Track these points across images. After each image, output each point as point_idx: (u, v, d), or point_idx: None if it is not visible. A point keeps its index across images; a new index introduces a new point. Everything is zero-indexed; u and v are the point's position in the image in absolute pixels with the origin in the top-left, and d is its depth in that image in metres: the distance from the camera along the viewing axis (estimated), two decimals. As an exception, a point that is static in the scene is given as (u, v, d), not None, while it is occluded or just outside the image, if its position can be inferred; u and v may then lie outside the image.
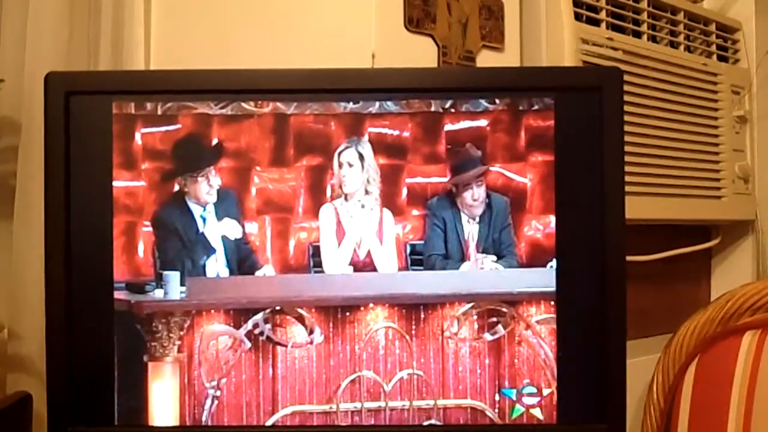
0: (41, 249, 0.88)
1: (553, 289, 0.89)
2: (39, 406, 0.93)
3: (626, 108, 0.90)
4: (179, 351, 0.89)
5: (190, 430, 0.89)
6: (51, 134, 0.87)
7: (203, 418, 0.88)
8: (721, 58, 1.75)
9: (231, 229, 0.90)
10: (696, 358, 1.30)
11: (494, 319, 0.90)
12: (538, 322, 0.90)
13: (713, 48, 1.74)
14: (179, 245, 0.89)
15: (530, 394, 0.90)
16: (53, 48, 1.19)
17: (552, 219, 0.89)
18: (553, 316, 0.89)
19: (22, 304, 1.16)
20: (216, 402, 0.89)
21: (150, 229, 0.89)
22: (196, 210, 0.90)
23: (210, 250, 0.90)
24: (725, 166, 1.71)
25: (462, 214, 0.91)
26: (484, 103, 0.89)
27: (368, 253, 0.91)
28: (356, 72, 0.93)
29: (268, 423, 0.89)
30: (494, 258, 0.91)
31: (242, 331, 0.89)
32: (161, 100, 0.88)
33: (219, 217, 0.90)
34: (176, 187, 0.89)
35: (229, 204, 0.90)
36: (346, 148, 0.89)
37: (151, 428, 0.88)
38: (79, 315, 0.87)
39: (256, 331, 0.89)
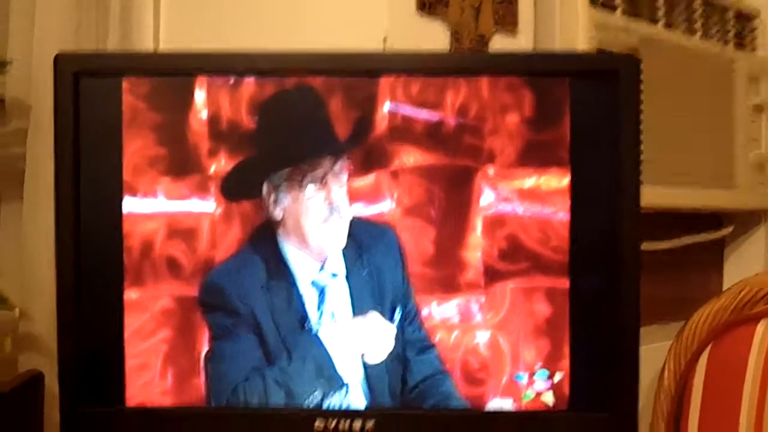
0: (51, 230, 0.88)
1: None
2: (51, 385, 0.93)
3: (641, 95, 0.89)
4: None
5: (202, 411, 0.89)
6: (60, 116, 0.87)
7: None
8: (739, 46, 1.73)
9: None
10: (708, 346, 1.30)
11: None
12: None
13: (730, 35, 1.72)
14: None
15: (542, 380, 0.89)
16: (61, 30, 1.18)
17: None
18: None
19: (33, 284, 1.16)
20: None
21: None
22: (300, 267, 0.90)
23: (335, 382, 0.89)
24: (740, 155, 1.70)
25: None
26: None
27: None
28: (368, 55, 0.92)
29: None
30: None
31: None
32: (171, 80, 0.88)
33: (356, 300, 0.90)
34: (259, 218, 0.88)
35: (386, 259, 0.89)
36: None
37: (162, 409, 0.88)
38: (89, 295, 0.87)
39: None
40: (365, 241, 0.88)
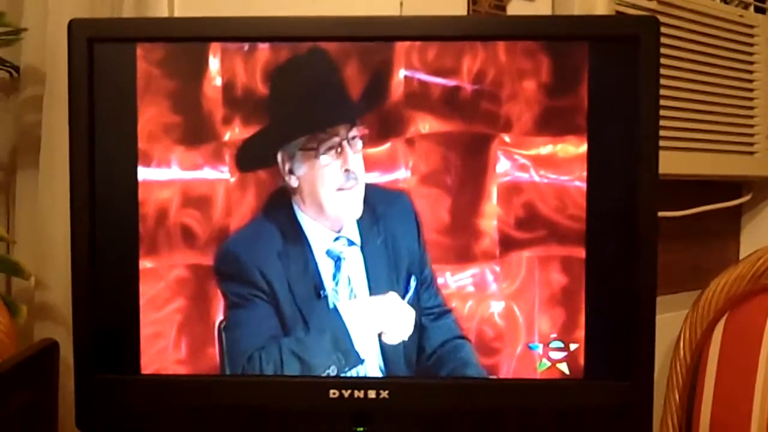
0: (67, 198, 0.88)
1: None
2: (66, 354, 0.94)
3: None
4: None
5: (216, 379, 0.89)
6: (74, 82, 0.87)
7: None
8: (759, 10, 1.70)
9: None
10: (725, 315, 1.29)
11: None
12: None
13: (750, -1, 1.69)
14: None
15: (557, 349, 0.89)
16: (76, -4, 1.17)
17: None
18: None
19: (49, 253, 1.16)
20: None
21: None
22: (315, 236, 0.89)
23: (351, 356, 0.89)
24: (759, 121, 1.67)
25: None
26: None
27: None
28: (384, 20, 0.91)
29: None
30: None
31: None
32: (185, 47, 0.87)
33: (371, 270, 0.90)
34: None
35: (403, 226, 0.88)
36: None
37: (177, 377, 0.89)
38: (104, 264, 0.87)
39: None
40: (380, 209, 0.88)
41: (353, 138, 0.86)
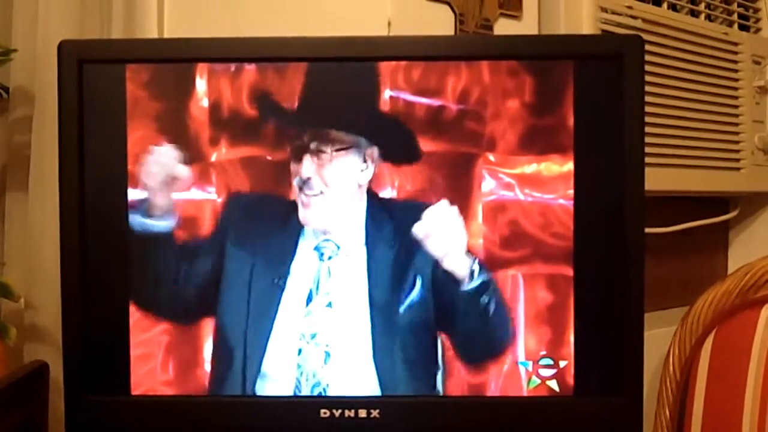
0: (56, 218, 0.88)
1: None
2: (56, 375, 0.94)
3: (645, 78, 0.88)
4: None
5: (206, 399, 0.89)
6: (64, 103, 0.87)
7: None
8: (742, 28, 1.72)
9: None
10: (713, 330, 1.30)
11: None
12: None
13: (734, 17, 1.70)
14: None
15: (547, 366, 0.90)
16: (66, 17, 1.17)
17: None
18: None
19: (39, 274, 1.16)
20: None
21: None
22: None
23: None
24: (745, 138, 1.69)
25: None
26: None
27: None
28: (372, 40, 0.91)
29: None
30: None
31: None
32: (175, 68, 0.87)
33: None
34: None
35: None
36: None
37: (167, 398, 0.89)
38: (94, 285, 0.87)
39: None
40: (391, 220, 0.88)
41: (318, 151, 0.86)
